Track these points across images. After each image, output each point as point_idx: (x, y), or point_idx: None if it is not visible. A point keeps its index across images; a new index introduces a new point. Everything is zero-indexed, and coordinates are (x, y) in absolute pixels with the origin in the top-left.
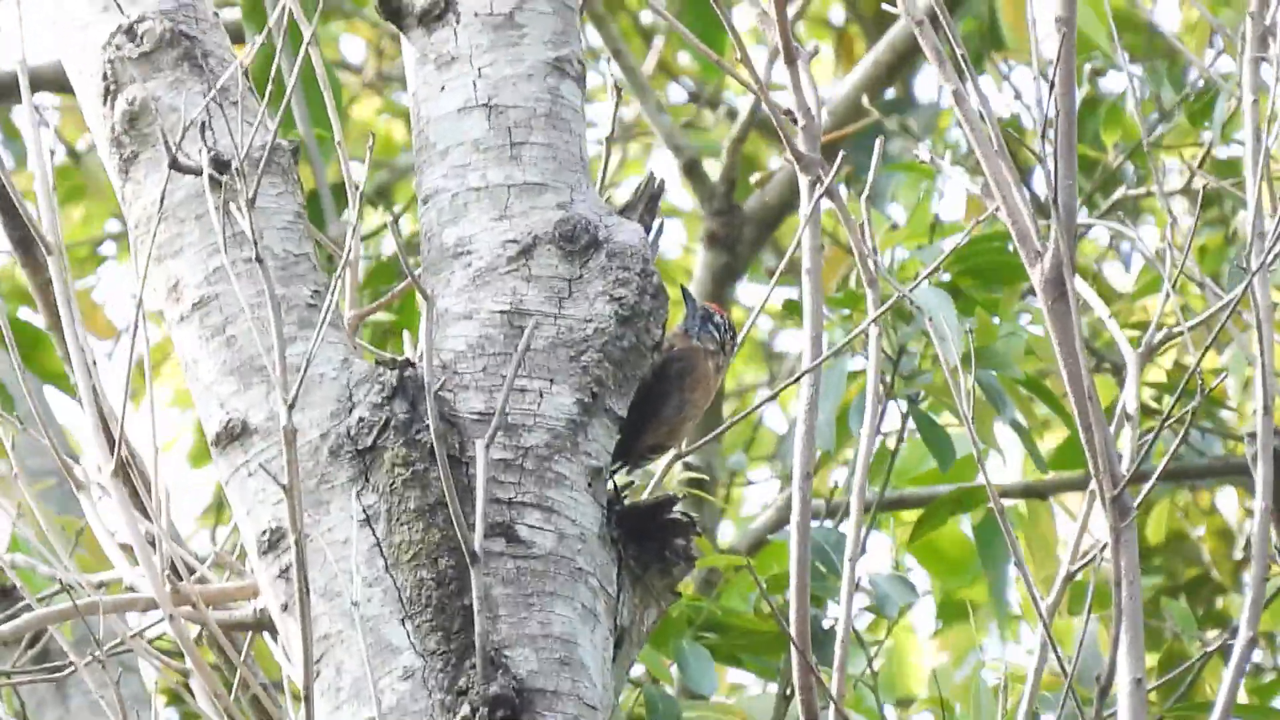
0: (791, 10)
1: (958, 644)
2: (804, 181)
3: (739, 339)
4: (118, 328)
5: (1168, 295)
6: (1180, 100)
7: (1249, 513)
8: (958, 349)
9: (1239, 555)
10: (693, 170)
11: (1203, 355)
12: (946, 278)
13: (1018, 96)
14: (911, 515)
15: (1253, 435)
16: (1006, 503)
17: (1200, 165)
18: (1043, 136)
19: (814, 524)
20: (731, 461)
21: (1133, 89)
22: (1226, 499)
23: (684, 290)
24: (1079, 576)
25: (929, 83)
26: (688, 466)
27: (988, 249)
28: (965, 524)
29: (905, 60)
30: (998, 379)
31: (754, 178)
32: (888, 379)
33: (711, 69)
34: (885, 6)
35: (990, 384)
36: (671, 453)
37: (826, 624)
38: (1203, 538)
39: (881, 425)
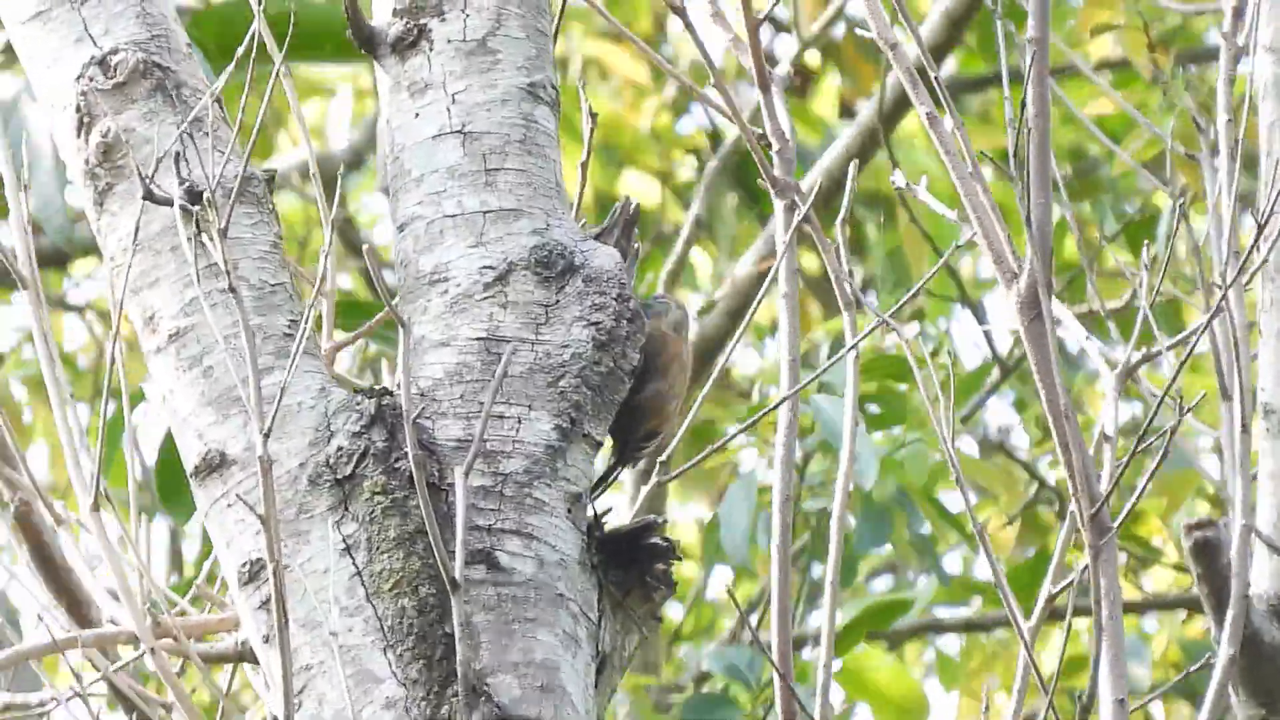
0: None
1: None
2: (779, 206)
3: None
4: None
5: (1145, 316)
6: (1123, 227)
7: None
8: (871, 464)
9: None
10: None
11: (1179, 372)
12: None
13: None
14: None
15: (1190, 527)
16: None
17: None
18: (1013, 156)
19: (728, 648)
20: None
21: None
22: None
23: None
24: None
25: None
26: None
27: (889, 364)
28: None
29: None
30: (907, 492)
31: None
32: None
33: None
34: (860, 32)
35: (904, 498)
36: (654, 479)
37: None
38: None
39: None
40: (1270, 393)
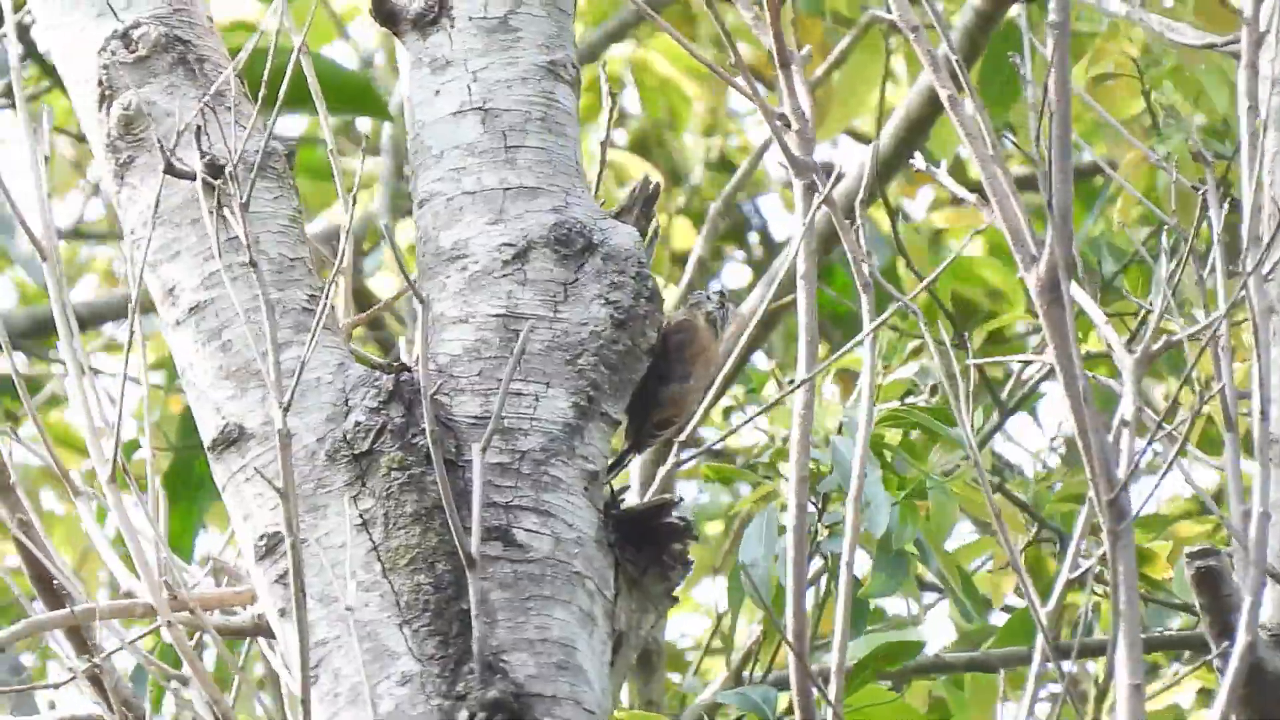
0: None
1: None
2: (798, 186)
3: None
4: None
5: (1166, 300)
6: (1121, 268)
7: None
8: (882, 511)
9: None
10: None
11: (1198, 358)
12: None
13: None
14: None
15: (1191, 556)
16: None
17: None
18: (1036, 140)
19: (748, 689)
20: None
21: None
22: None
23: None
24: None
25: None
26: None
27: (917, 412)
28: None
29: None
30: (924, 538)
31: None
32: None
33: None
34: (876, 13)
35: (919, 542)
36: (673, 456)
37: None
38: None
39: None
40: (1277, 422)
